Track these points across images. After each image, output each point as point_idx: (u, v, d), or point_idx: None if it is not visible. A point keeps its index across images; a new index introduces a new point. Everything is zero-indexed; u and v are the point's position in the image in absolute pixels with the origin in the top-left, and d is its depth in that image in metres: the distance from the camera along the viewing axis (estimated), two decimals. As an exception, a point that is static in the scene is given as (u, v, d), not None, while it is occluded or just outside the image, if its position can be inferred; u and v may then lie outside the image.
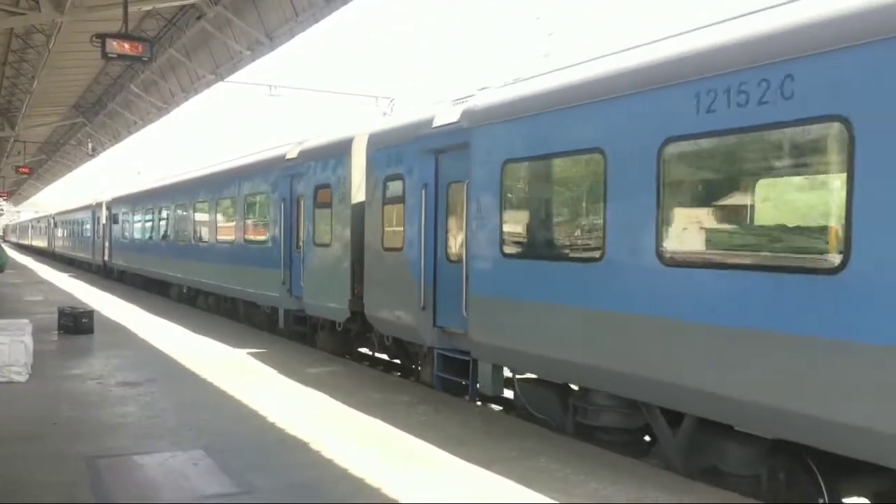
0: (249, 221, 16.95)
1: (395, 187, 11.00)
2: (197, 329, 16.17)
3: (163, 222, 24.50)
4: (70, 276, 35.91)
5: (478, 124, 9.16)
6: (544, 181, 8.71)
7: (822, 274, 5.46)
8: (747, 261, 6.26)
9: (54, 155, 43.18)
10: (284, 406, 9.06)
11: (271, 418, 8.45)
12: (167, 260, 23.52)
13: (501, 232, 8.79)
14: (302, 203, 14.28)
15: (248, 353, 12.90)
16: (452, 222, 9.99)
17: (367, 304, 11.70)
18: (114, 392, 9.79)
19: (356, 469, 6.61)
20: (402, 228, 10.79)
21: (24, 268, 42.32)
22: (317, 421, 8.37)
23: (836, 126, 5.38)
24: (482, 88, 9.87)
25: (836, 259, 5.40)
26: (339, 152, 12.78)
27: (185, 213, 21.89)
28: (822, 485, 5.92)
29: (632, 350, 7.03)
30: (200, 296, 21.27)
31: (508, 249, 8.77)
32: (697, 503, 5.94)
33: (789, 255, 6.06)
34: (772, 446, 6.27)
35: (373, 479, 6.35)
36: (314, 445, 7.36)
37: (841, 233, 5.37)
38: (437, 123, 10.03)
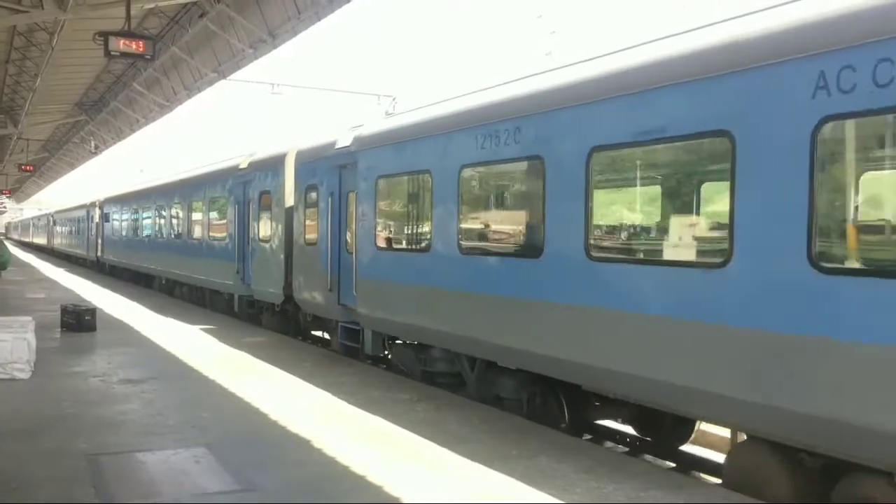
0: (213, 221, 19.70)
1: (312, 194, 13.81)
2: (198, 326, 16.19)
3: (146, 221, 27.07)
4: (71, 273, 35.96)
5: (362, 148, 11.98)
6: (399, 193, 11.49)
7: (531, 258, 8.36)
8: (491, 247, 9.44)
9: (57, 153, 43.28)
10: (286, 403, 9.08)
11: (273, 416, 8.47)
12: (149, 255, 26.28)
13: (375, 230, 11.59)
14: (251, 206, 17.01)
15: (250, 351, 12.93)
16: (349, 222, 12.67)
17: (295, 288, 14.64)
18: (116, 389, 9.82)
19: (358, 467, 6.63)
20: (316, 227, 13.58)
21: (26, 265, 42.37)
22: (318, 418, 8.39)
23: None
24: (360, 125, 12.79)
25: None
26: (275, 164, 15.58)
27: (163, 213, 24.68)
28: (566, 409, 8.72)
29: (447, 315, 9.83)
30: (177, 286, 23.71)
31: (379, 244, 11.54)
32: (697, 502, 5.95)
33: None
34: (533, 379, 8.81)
35: (374, 476, 6.37)
36: (316, 443, 7.38)
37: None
38: (338, 146, 12.81)
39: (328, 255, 13.02)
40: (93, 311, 15.33)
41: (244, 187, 17.28)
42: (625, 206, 8.25)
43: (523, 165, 8.69)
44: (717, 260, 6.26)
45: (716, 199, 6.67)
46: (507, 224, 9.47)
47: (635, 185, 7.90)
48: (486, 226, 9.76)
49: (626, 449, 9.07)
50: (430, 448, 7.30)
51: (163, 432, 7.77)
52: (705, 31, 6.71)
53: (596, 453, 7.25)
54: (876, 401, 5.05)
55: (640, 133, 6.97)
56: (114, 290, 26.26)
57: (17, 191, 73.09)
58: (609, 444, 9.32)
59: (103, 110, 28.54)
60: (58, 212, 53.92)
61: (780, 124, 5.73)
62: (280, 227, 15.37)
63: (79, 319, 15.03)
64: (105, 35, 11.72)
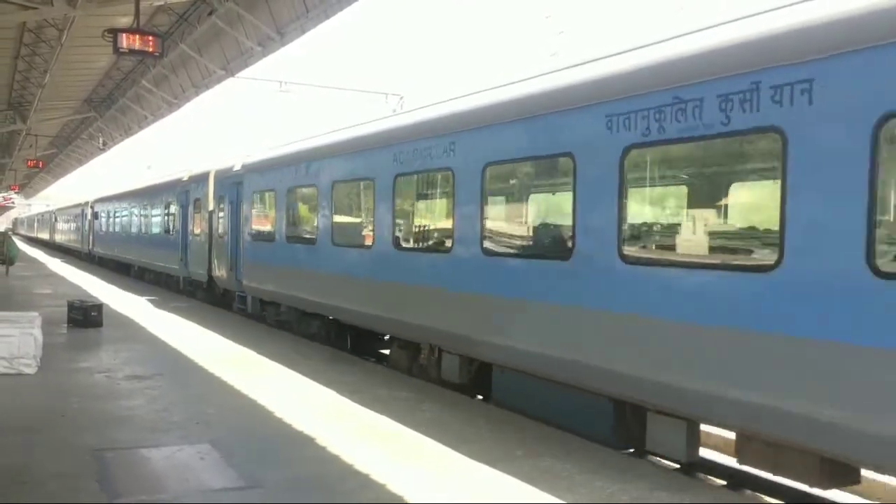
0: (165, 221, 25.43)
1: (222, 202, 19.22)
2: (203, 323, 16.23)
3: (123, 220, 33.11)
4: (74, 267, 36.15)
5: (245, 172, 17.39)
6: (263, 203, 16.72)
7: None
8: (299, 239, 14.59)
9: (65, 149, 43.40)
10: (291, 401, 9.08)
11: (278, 413, 8.48)
12: (125, 247, 32.44)
13: (251, 228, 16.98)
14: (189, 209, 22.36)
15: (254, 347, 12.94)
16: (241, 223, 17.80)
17: (213, 270, 19.98)
18: (122, 385, 9.84)
19: (362, 465, 6.63)
20: (224, 226, 18.92)
21: (34, 260, 42.55)
22: (323, 416, 8.39)
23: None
24: (248, 155, 17.92)
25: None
26: (203, 179, 21.00)
27: (134, 213, 30.60)
28: (349, 341, 13.85)
29: (285, 284, 14.97)
30: (146, 273, 28.81)
31: (253, 236, 16.88)
32: (702, 503, 5.93)
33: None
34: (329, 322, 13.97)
35: (378, 475, 6.36)
36: (320, 441, 7.38)
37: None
38: (234, 169, 18.30)
39: (230, 246, 18.40)
40: (99, 307, 15.37)
41: (186, 195, 22.77)
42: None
43: (363, 184, 12.16)
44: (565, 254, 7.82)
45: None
46: (306, 223, 14.57)
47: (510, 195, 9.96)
48: (296, 225, 14.95)
49: (632, 450, 9.02)
50: (434, 448, 7.29)
51: (168, 428, 7.78)
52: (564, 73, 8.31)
53: (601, 454, 7.22)
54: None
55: (516, 151, 8.74)
56: (120, 286, 26.35)
57: (25, 186, 73.34)
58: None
59: (112, 107, 28.58)
60: (59, 209, 59.90)
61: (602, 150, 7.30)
62: (206, 225, 20.65)
63: (85, 315, 15.07)
64: (114, 32, 11.74)
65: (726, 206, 7.18)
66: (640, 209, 7.68)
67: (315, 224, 13.59)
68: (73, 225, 49.56)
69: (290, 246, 14.80)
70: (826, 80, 5.45)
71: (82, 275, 32.12)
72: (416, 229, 11.08)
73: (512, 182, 9.55)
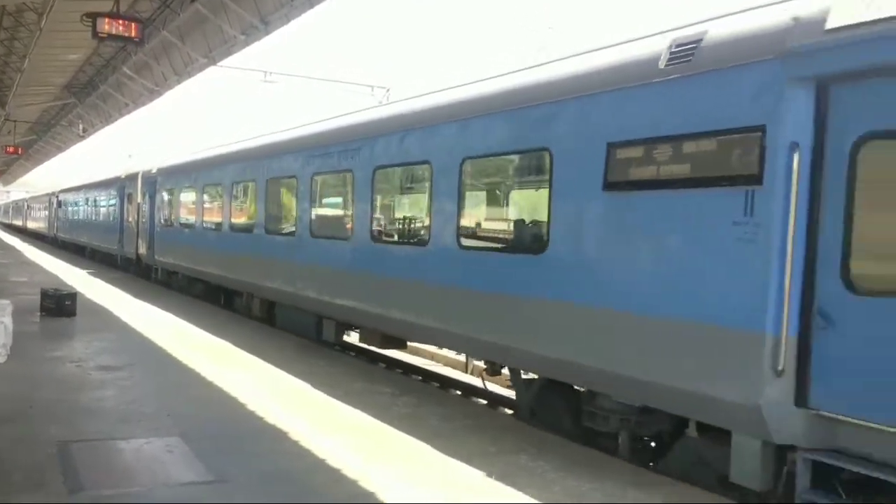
0: (108, 210, 30.48)
1: (146, 196, 24.19)
2: (179, 313, 16.03)
3: (78, 208, 38.34)
4: (55, 257, 35.68)
5: (158, 174, 22.66)
6: (172, 198, 21.30)
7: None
8: (199, 225, 19.32)
9: (45, 135, 42.85)
10: (265, 394, 8.96)
11: (251, 406, 8.35)
12: (79, 232, 38.13)
13: (161, 217, 22.10)
14: (125, 201, 27.23)
15: (228, 337, 12.80)
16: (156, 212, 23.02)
17: (139, 249, 25.02)
18: (93, 376, 9.66)
19: (333, 460, 6.53)
20: (146, 214, 23.95)
21: (10, 248, 42.02)
22: (297, 410, 8.27)
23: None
24: (165, 160, 23.31)
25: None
26: (134, 178, 25.67)
27: (87, 202, 35.59)
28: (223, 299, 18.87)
29: (186, 258, 19.77)
30: (97, 253, 33.66)
31: (161, 225, 22.13)
32: (675, 502, 5.88)
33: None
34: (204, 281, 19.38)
35: (349, 470, 6.27)
36: (292, 435, 7.27)
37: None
38: (152, 171, 23.44)
39: (149, 231, 23.50)
40: (73, 296, 15.13)
41: (122, 190, 27.58)
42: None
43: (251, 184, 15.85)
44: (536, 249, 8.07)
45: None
46: (191, 214, 19.63)
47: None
48: (184, 215, 20.06)
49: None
50: (408, 443, 7.21)
51: (137, 420, 7.63)
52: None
53: (575, 452, 7.16)
54: None
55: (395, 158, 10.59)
56: (95, 275, 26.05)
57: (4, 173, 72.41)
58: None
59: (92, 94, 28.22)
60: (30, 198, 65.43)
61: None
62: (135, 214, 25.53)
63: (59, 304, 14.82)
64: (93, 16, 11.52)
65: (518, 206, 9.09)
66: (470, 208, 9.49)
67: (196, 215, 19.20)
68: (42, 213, 54.52)
69: (181, 230, 20.37)
70: (570, 113, 7.44)
71: (55, 262, 31.92)
72: (237, 217, 16.59)
73: (385, 184, 11.17)
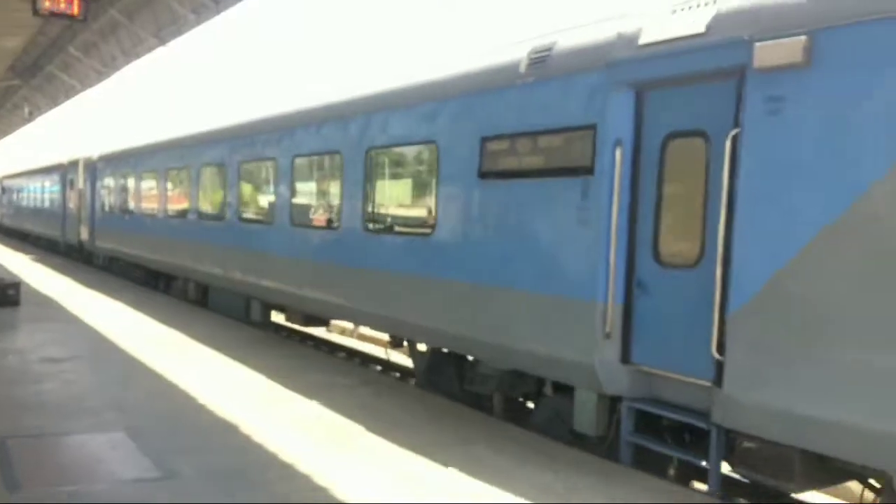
0: (51, 196, 30.55)
1: (88, 183, 24.66)
2: (130, 303, 15.58)
3: (22, 195, 38.55)
4: (7, 247, 34.63)
5: (98, 160, 23.45)
6: (112, 184, 21.93)
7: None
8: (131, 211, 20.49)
9: (-11, 118, 41.39)
10: (217, 386, 8.69)
11: (202, 399, 8.08)
12: (23, 219, 38.22)
13: (102, 203, 22.74)
14: (67, 188, 27.49)
15: (182, 329, 12.44)
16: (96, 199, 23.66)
17: (81, 235, 25.47)
18: (35, 368, 9.27)
19: (286, 454, 6.32)
20: (88, 201, 24.52)
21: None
22: (251, 403, 8.03)
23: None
24: (106, 147, 23.73)
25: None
26: (76, 165, 26.11)
27: (29, 190, 35.96)
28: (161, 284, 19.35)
29: (122, 244, 20.72)
30: (41, 240, 34.09)
31: (101, 211, 22.80)
32: (633, 491, 5.79)
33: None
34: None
35: (302, 464, 6.07)
36: (244, 428, 7.03)
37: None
38: (93, 158, 24.14)
39: (92, 216, 23.94)
40: (17, 285, 14.59)
41: (65, 177, 27.92)
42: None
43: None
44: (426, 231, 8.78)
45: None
46: (127, 200, 20.64)
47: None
48: (120, 201, 21.16)
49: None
50: (365, 435, 7.02)
51: (80, 415, 7.31)
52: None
53: (534, 442, 7.05)
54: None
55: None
56: (44, 264, 25.32)
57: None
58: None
59: (37, 75, 27.23)
60: None
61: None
62: (77, 200, 25.85)
63: (2, 293, 14.29)
64: (33, -8, 10.96)
65: (413, 193, 9.56)
66: (374, 194, 9.99)
67: (134, 202, 19.86)
68: None
69: (121, 216, 20.95)
70: (452, 110, 8.31)
71: (20, 259, 31.10)
72: (171, 203, 17.33)
73: (303, 172, 11.74)
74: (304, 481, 5.74)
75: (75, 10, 10.80)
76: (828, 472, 5.52)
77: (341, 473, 5.93)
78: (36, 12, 11.08)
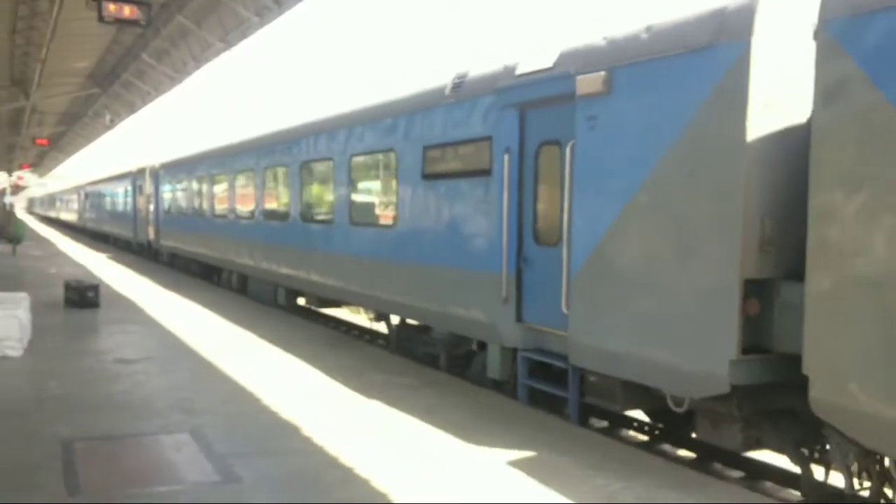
0: (123, 200, 33.75)
1: (151, 187, 27.24)
2: (204, 304, 15.86)
3: (103, 200, 41.38)
4: (82, 245, 36.06)
5: (160, 168, 25.62)
6: (171, 189, 24.74)
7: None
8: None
9: (74, 126, 43.00)
10: (283, 387, 8.67)
11: (266, 400, 8.06)
12: (104, 222, 41.25)
13: (164, 206, 25.42)
14: (136, 192, 30.04)
15: (253, 329, 12.55)
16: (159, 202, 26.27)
17: (149, 235, 27.75)
18: (108, 369, 9.46)
19: (346, 458, 6.20)
20: (154, 204, 27.08)
21: (43, 240, 42.47)
22: (314, 404, 7.97)
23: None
24: (166, 157, 26.10)
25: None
26: (143, 171, 28.65)
27: (108, 195, 39.03)
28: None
29: (180, 242, 23.32)
30: (118, 241, 37.21)
31: (163, 213, 25.38)
32: (709, 503, 5.44)
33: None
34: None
35: (362, 469, 5.93)
36: (305, 431, 6.96)
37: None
38: (156, 166, 26.33)
39: (157, 217, 26.37)
40: (96, 288, 15.01)
41: (134, 182, 30.58)
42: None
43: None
44: (391, 223, 10.61)
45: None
46: (185, 203, 22.92)
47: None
48: (179, 204, 23.45)
49: (646, 438, 8.54)
50: (426, 438, 6.86)
51: (148, 417, 7.38)
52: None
53: (606, 448, 6.75)
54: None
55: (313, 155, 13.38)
56: (118, 262, 26.15)
57: (38, 165, 73.22)
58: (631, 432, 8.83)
59: (115, 83, 28.07)
60: (63, 191, 72.13)
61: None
62: (145, 204, 28.29)
63: (82, 296, 14.72)
64: (98, 0, 11.23)
65: (383, 191, 11.18)
66: (357, 192, 11.92)
67: (187, 204, 22.31)
68: (72, 205, 59.64)
69: (178, 217, 23.41)
70: (404, 125, 10.21)
71: (83, 250, 32.89)
72: (216, 204, 19.50)
73: (308, 176, 13.66)
74: (362, 486, 5.60)
75: (137, 15, 10.99)
76: (649, 396, 6.90)
77: (402, 478, 5.78)
78: (101, 19, 11.33)
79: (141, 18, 11.04)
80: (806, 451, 6.21)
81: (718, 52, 5.90)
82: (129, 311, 14.69)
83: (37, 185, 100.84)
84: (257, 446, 6.54)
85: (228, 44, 18.59)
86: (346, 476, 5.81)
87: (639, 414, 8.38)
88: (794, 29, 5.70)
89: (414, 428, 7.14)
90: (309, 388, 8.73)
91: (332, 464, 6.09)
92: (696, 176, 6.05)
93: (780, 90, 5.70)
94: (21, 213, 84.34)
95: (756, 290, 5.72)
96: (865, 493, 5.71)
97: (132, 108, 31.29)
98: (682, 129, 6.20)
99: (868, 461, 5.48)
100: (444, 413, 7.64)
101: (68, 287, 15.02)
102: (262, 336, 12.03)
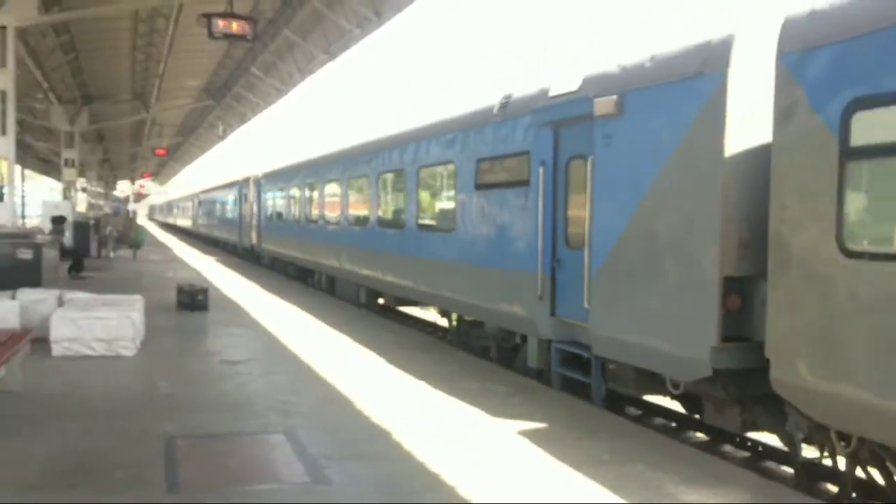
0: (229, 209, 36.86)
1: (255, 196, 29.36)
2: (302, 307, 16.32)
3: (213, 207, 44.03)
4: (195, 249, 37.79)
5: (262, 178, 28.11)
6: (270, 197, 27.31)
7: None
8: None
9: (190, 136, 45.26)
10: (377, 391, 8.81)
11: (359, 404, 8.20)
12: (213, 227, 44.07)
13: (264, 213, 28.02)
14: (242, 201, 32.29)
15: (351, 333, 12.82)
16: (258, 210, 29.38)
17: (251, 240, 30.12)
18: (214, 370, 9.86)
19: (434, 464, 6.22)
20: (257, 211, 29.22)
21: (162, 245, 44.78)
22: (405, 409, 8.05)
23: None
24: (262, 170, 28.90)
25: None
26: (248, 181, 30.91)
27: (217, 203, 41.69)
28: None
29: (280, 246, 25.47)
30: (226, 245, 39.47)
31: (264, 219, 28.00)
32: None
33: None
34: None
35: (449, 476, 5.94)
36: (395, 436, 7.03)
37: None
38: (258, 176, 28.84)
39: (258, 223, 28.51)
40: (205, 291, 15.69)
41: (240, 191, 32.83)
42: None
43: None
44: (451, 228, 11.87)
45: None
46: (285, 211, 24.49)
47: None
48: (279, 211, 25.32)
49: (748, 454, 8.21)
50: (516, 447, 6.80)
51: (246, 417, 7.64)
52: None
53: (701, 462, 6.52)
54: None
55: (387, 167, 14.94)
56: (224, 265, 27.25)
57: (158, 174, 77.36)
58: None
59: (227, 95, 29.40)
60: (179, 199, 77.17)
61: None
62: (249, 211, 30.46)
63: (192, 299, 15.41)
64: (208, 17, 11.77)
65: (445, 199, 12.40)
66: (427, 203, 13.24)
67: (283, 211, 24.47)
68: (187, 212, 63.55)
69: (277, 223, 25.37)
70: (461, 140, 11.48)
71: (195, 254, 34.54)
72: (306, 211, 21.32)
73: (385, 185, 15.17)
74: (448, 493, 5.61)
75: (245, 30, 11.44)
76: (657, 381, 7.71)
77: (488, 486, 5.76)
78: (211, 35, 11.87)
79: (248, 34, 11.50)
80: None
81: (704, 80, 6.88)
82: (235, 313, 15.29)
83: (157, 193, 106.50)
84: (348, 449, 6.66)
85: (331, 55, 19.14)
86: (433, 482, 5.84)
87: (674, 404, 9.13)
88: (765, 61, 6.43)
89: (500, 437, 7.11)
90: (401, 392, 8.84)
91: (419, 469, 6.13)
92: (686, 186, 7.02)
93: (753, 113, 6.55)
94: (143, 219, 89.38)
95: (737, 287, 6.59)
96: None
97: (243, 119, 32.67)
98: (676, 146, 7.16)
99: (821, 434, 6.08)
100: (532, 422, 7.57)
101: (180, 290, 15.77)
102: (357, 339, 12.28)
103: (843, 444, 5.95)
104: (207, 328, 13.46)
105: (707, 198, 6.71)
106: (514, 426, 7.41)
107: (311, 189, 20.87)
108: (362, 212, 16.31)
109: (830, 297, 5.46)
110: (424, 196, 13.01)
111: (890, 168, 5.31)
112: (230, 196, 36.20)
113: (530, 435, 7.12)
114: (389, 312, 17.25)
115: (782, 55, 5.99)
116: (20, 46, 17.42)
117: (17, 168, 34.88)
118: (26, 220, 38.20)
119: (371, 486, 5.78)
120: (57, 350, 10.18)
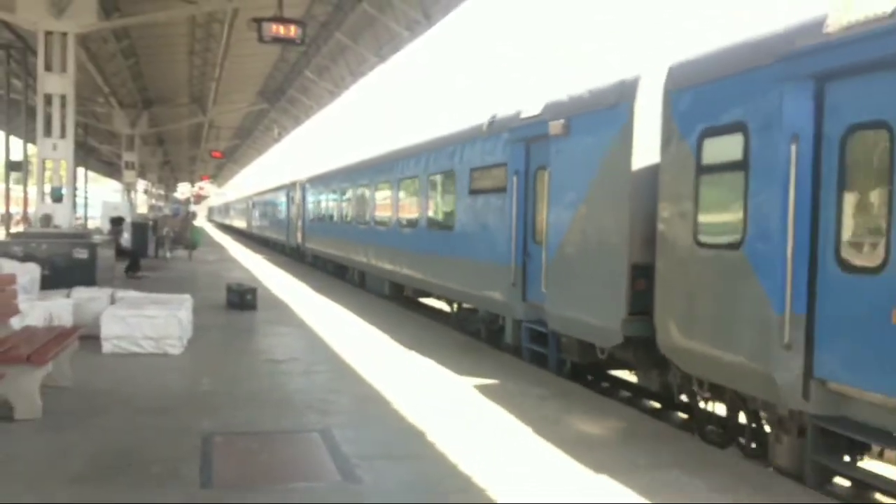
0: (278, 210, 39.03)
1: (301, 198, 32.11)
2: (351, 307, 16.43)
3: (264, 208, 46.48)
4: (248, 249, 38.51)
5: (306, 181, 31.01)
6: (313, 200, 29.53)
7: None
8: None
9: (246, 139, 46.12)
10: (415, 391, 8.80)
11: (396, 404, 8.21)
12: (265, 228, 46.25)
13: (308, 215, 30.44)
14: (288, 203, 35.08)
15: (392, 333, 12.86)
16: (302, 211, 32.17)
17: (297, 239, 32.57)
18: (258, 369, 9.99)
19: (466, 465, 6.18)
20: (303, 213, 31.78)
21: (218, 245, 45.69)
22: (441, 409, 8.02)
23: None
24: (307, 174, 31.79)
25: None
26: (294, 184, 33.57)
27: (268, 204, 44.07)
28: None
29: (322, 245, 27.41)
30: (276, 245, 41.12)
31: (308, 220, 30.55)
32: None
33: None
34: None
35: (480, 478, 5.89)
36: (430, 436, 7.00)
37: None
38: (303, 179, 31.75)
39: (303, 224, 30.89)
40: (254, 291, 15.93)
41: (288, 194, 34.96)
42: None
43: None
44: (452, 227, 13.96)
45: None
46: (325, 212, 26.70)
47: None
48: (322, 213, 27.17)
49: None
50: (549, 450, 6.71)
51: (284, 415, 7.71)
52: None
53: (741, 469, 6.33)
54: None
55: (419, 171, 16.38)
56: (273, 263, 27.64)
57: (216, 176, 79.03)
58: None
59: (281, 98, 29.86)
60: (234, 201, 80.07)
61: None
62: (296, 212, 32.58)
63: (241, 298, 15.66)
64: (258, 21, 11.95)
65: (448, 202, 14.34)
66: (435, 206, 15.30)
67: (324, 212, 26.30)
68: (243, 214, 66.28)
69: (319, 224, 27.45)
70: (458, 151, 13.71)
71: (249, 256, 35.28)
72: (341, 213, 23.68)
73: (403, 190, 17.17)
74: (478, 495, 5.56)
75: (293, 34, 11.58)
76: (593, 350, 9.45)
77: (520, 489, 5.68)
78: (261, 39, 12.04)
79: (297, 37, 11.63)
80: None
81: (619, 109, 8.72)
82: (282, 312, 15.49)
83: (216, 194, 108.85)
84: (381, 449, 6.66)
85: (382, 58, 19.27)
86: (464, 484, 5.79)
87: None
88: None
89: (535, 440, 7.02)
90: (437, 393, 8.81)
91: (451, 471, 6.09)
92: (607, 193, 8.93)
93: (654, 137, 8.18)
94: (202, 220, 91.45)
95: (643, 273, 8.32)
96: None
97: (297, 122, 33.14)
98: (602, 160, 9.06)
99: (689, 383, 7.82)
100: (571, 425, 7.47)
101: (230, 290, 16.04)
102: (397, 339, 12.32)
103: (702, 389, 7.60)
104: (254, 327, 13.65)
105: (620, 203, 8.63)
106: (551, 429, 7.30)
107: (345, 193, 23.24)
108: (386, 213, 18.40)
109: (688, 277, 7.34)
110: (433, 199, 15.11)
111: (720, 181, 7.08)
112: (280, 198, 38.61)
113: (569, 439, 7.01)
114: (413, 305, 18.49)
115: (667, 93, 7.79)
116: (81, 52, 17.97)
117: (81, 170, 36.01)
118: (89, 221, 39.37)
119: (402, 486, 5.76)
120: (107, 347, 10.44)
